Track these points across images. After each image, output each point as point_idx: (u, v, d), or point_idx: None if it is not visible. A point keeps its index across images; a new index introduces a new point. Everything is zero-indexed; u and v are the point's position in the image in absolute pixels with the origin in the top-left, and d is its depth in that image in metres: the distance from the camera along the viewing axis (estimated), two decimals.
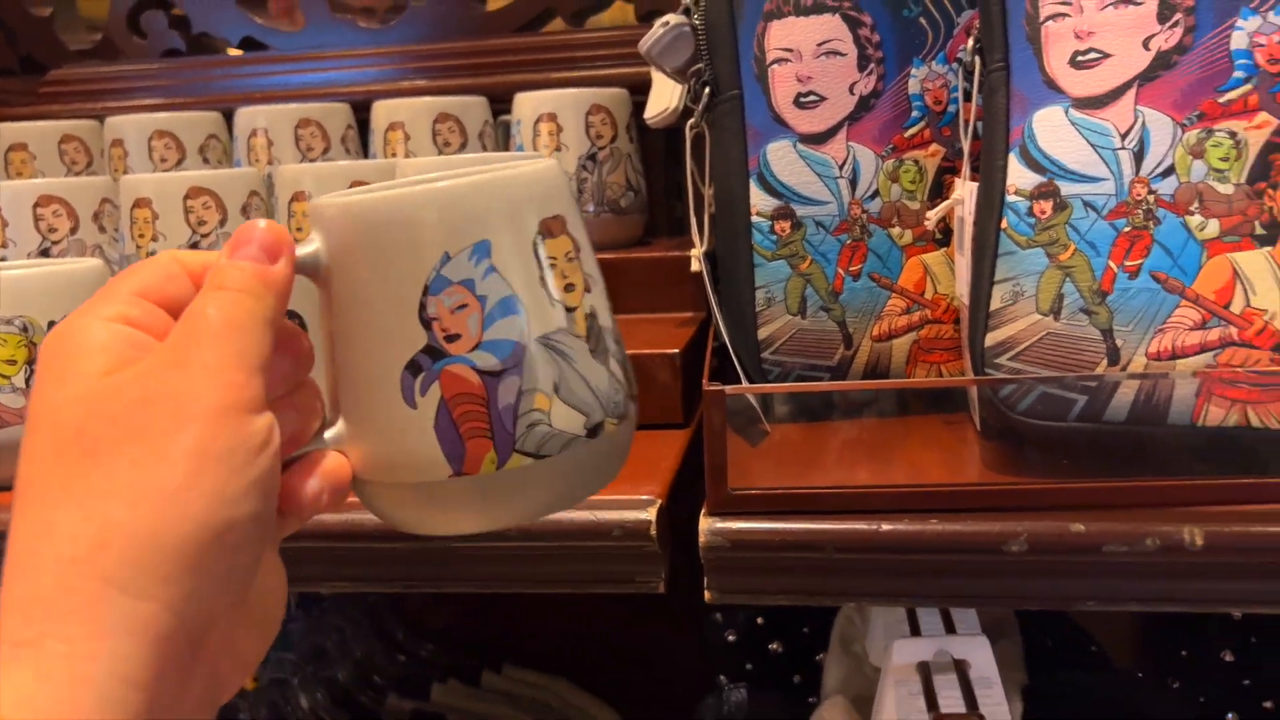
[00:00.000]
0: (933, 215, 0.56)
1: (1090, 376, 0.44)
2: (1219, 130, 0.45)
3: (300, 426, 0.34)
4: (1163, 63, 0.45)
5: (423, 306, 0.33)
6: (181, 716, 0.28)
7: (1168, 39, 0.46)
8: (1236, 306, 0.43)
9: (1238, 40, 0.45)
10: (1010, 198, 0.47)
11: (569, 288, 0.34)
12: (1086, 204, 0.46)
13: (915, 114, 0.58)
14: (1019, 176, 0.47)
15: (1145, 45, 0.46)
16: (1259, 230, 0.44)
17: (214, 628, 0.29)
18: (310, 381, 0.36)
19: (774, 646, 0.73)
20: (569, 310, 0.34)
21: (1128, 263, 0.45)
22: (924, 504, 0.45)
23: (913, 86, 0.58)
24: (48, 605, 0.26)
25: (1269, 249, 0.43)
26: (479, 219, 0.33)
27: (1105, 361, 0.45)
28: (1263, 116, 0.44)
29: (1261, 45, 0.45)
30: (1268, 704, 0.76)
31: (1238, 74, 0.45)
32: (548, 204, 0.34)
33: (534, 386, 0.33)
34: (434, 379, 0.33)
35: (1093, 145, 0.46)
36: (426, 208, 0.33)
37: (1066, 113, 0.47)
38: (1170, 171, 0.45)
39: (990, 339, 0.47)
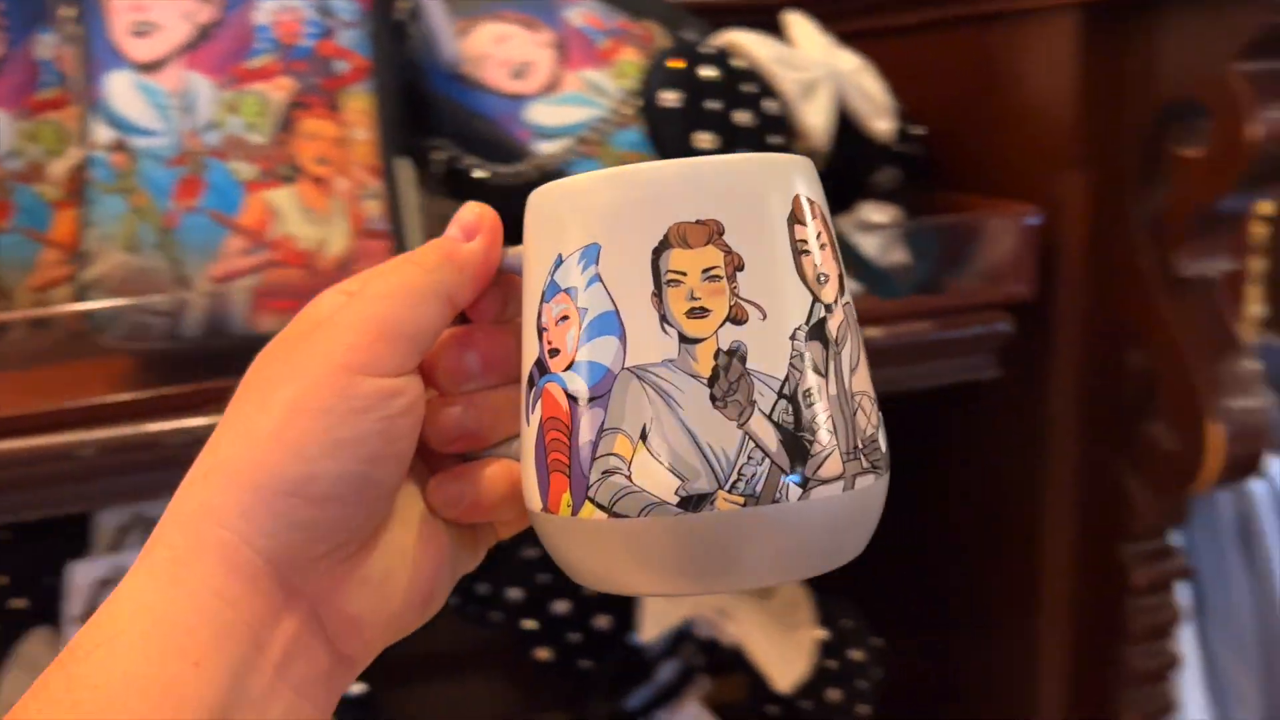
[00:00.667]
0: (59, 168, 0.60)
1: (163, 299, 0.52)
2: (249, 91, 0.54)
3: (482, 426, 0.33)
4: (203, 34, 0.54)
5: (540, 314, 0.30)
6: (278, 649, 0.29)
7: (206, 14, 0.54)
8: (272, 234, 0.53)
9: (260, 17, 0.55)
10: (94, 152, 0.54)
11: (696, 313, 0.28)
12: (151, 155, 0.53)
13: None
14: (100, 133, 0.54)
15: (189, 19, 0.54)
16: (284, 172, 0.54)
17: (307, 575, 0.30)
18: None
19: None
20: (688, 341, 0.28)
21: (187, 203, 0.53)
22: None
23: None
24: (168, 519, 0.29)
25: (292, 186, 0.54)
26: (592, 218, 0.29)
27: (176, 288, 0.53)
28: (283, 80, 0.55)
29: (280, 23, 0.55)
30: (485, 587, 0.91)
31: (261, 45, 0.55)
32: (689, 205, 0.28)
33: (617, 426, 0.28)
34: (539, 396, 0.30)
35: (152, 104, 0.54)
36: (545, 203, 0.31)
37: (131, 76, 0.54)
38: (215, 126, 0.54)
39: (86, 277, 0.54)
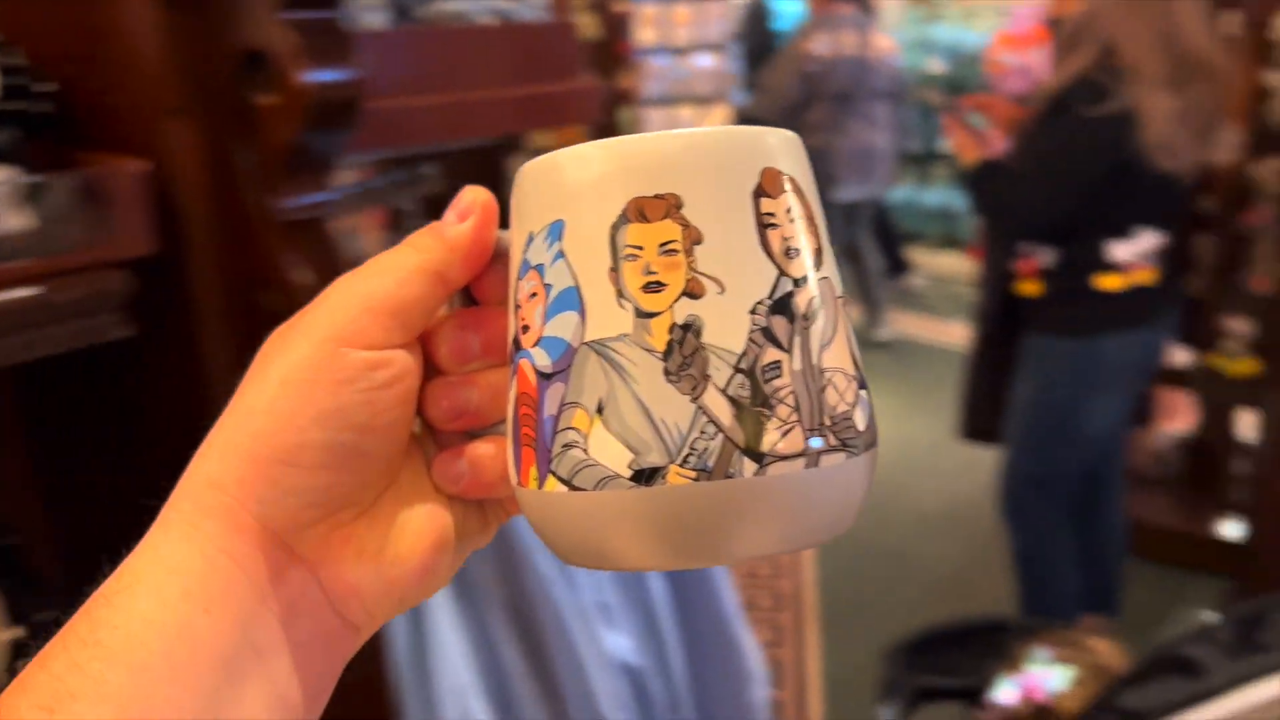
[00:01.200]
0: None
1: None
2: None
3: (484, 405, 0.34)
4: None
5: (516, 291, 0.31)
6: (283, 606, 0.31)
7: None
8: None
9: None
10: None
11: (652, 287, 0.28)
12: None
13: None
14: None
15: None
16: None
17: (304, 540, 0.32)
18: None
19: None
20: (644, 315, 0.28)
21: None
22: None
23: None
24: (179, 490, 0.31)
25: None
26: (557, 195, 0.29)
27: None
28: None
29: None
30: None
31: None
32: (649, 180, 0.28)
33: (576, 400, 0.28)
34: (515, 372, 0.30)
35: None
36: (519, 182, 0.31)
37: None
38: None
39: None
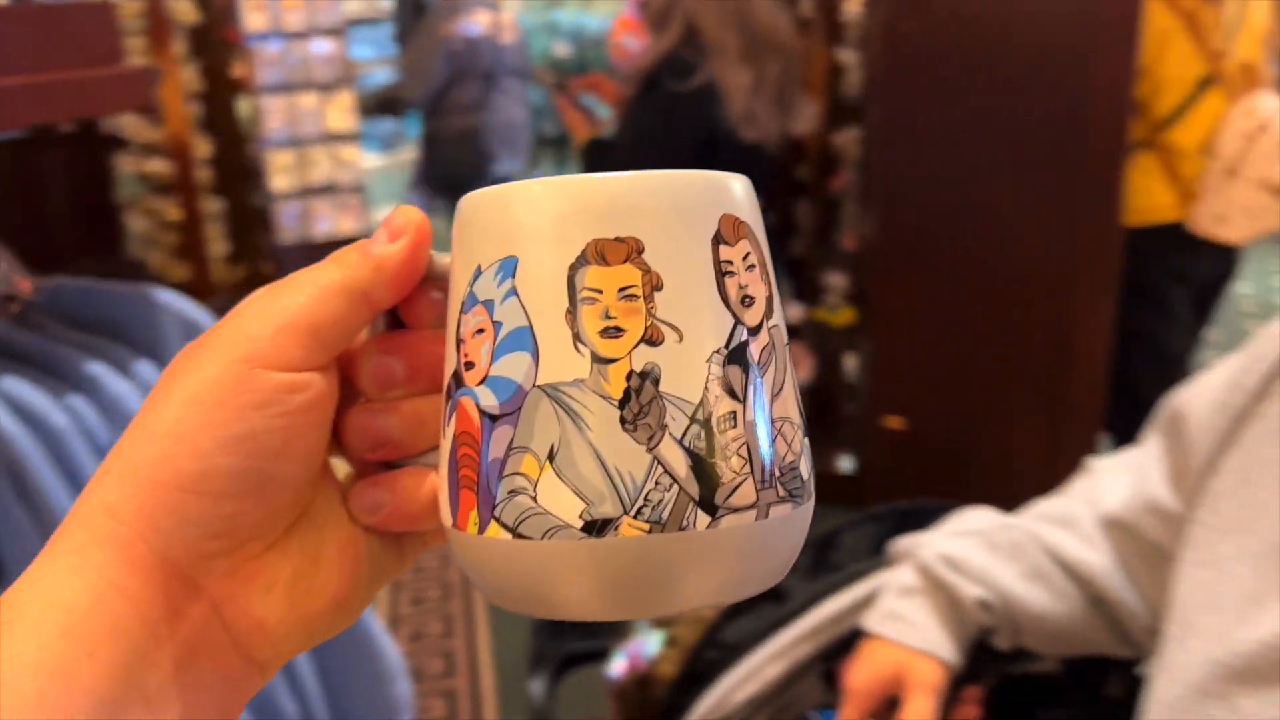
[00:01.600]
0: None
1: None
2: None
3: (407, 435, 0.32)
4: None
5: (458, 325, 0.29)
6: (178, 646, 0.28)
7: None
8: None
9: None
10: None
11: (610, 332, 0.27)
12: None
13: None
14: None
15: None
16: None
17: (208, 573, 0.29)
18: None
19: None
20: (601, 361, 0.27)
21: None
22: None
23: None
24: (72, 516, 0.29)
25: None
26: (511, 230, 0.28)
27: None
28: None
29: None
30: None
31: None
32: (609, 222, 0.27)
33: (525, 445, 0.27)
34: (454, 409, 0.29)
35: None
36: (466, 211, 0.30)
37: None
38: None
39: None
